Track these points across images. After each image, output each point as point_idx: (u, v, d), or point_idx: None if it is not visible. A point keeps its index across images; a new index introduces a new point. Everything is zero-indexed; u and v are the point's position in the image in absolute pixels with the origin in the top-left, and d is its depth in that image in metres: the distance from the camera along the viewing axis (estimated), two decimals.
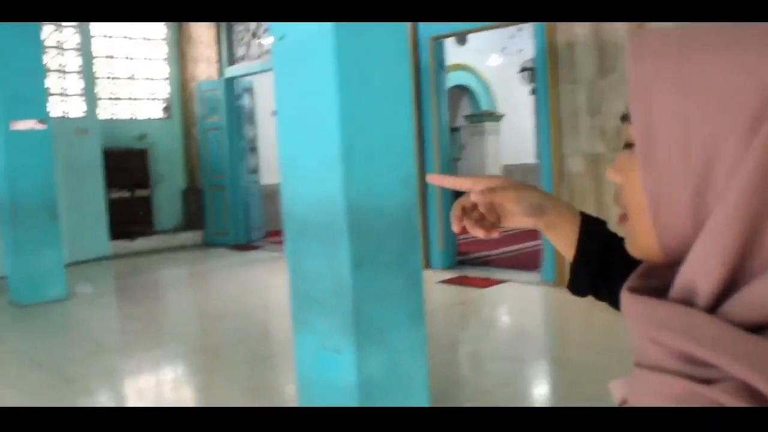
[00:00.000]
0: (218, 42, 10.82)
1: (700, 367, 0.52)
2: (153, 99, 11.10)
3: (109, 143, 10.05)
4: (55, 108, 9.55)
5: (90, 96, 9.89)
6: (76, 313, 6.73)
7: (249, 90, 10.87)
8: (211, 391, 4.42)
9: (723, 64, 0.52)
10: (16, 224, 6.81)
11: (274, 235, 11.00)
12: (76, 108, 9.87)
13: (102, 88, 10.48)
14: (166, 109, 11.18)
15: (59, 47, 9.79)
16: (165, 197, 10.82)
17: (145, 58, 10.91)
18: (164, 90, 11.15)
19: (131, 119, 10.82)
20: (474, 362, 4.99)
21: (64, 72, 9.82)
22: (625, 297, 0.60)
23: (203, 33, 10.75)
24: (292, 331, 3.62)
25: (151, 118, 11.02)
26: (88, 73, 9.91)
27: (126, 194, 10.27)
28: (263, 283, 8.10)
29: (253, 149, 10.95)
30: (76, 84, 9.87)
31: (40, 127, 6.93)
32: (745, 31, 0.53)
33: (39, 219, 6.90)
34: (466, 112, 14.57)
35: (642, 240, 0.61)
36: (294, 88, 3.36)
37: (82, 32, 9.95)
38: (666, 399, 0.54)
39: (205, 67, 10.90)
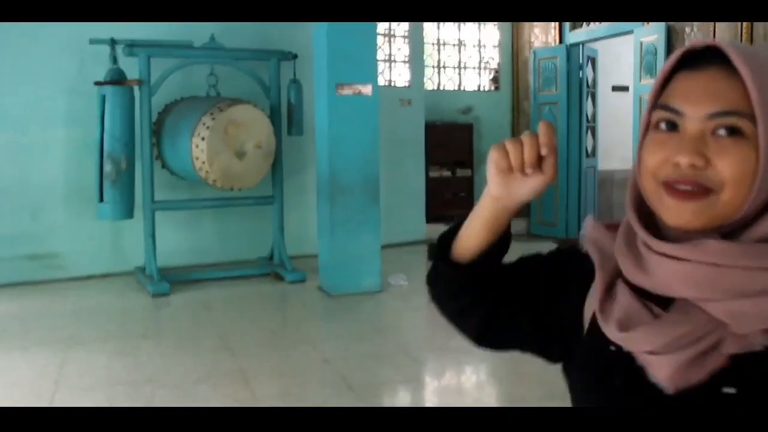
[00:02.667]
0: None
1: None
2: (481, 68, 9.96)
3: (431, 116, 9.10)
4: (380, 75, 8.76)
5: (417, 63, 8.96)
6: (390, 313, 5.74)
7: (592, 59, 9.27)
8: None
9: None
10: (334, 202, 5.98)
11: None
12: (400, 76, 9.02)
13: (428, 56, 9.55)
14: (495, 80, 9.98)
15: None
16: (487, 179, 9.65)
17: (476, 24, 9.79)
18: (494, 58, 9.96)
19: (457, 90, 9.78)
20: None
21: (392, 36, 9.00)
22: (722, 245, 0.82)
23: None
24: None
25: (479, 89, 9.89)
26: (416, 39, 8.97)
27: (446, 173, 9.27)
28: None
29: (592, 129, 9.35)
30: (402, 50, 9.01)
31: (366, 93, 6.01)
32: None
33: (359, 198, 6.00)
34: None
35: (722, 210, 0.83)
36: None
37: None
38: None
39: (539, 32, 9.50)
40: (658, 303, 0.87)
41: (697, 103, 0.84)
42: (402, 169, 8.34)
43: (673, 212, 0.84)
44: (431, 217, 8.89)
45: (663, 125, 0.87)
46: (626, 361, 0.87)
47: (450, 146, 9.27)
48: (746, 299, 0.81)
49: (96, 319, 5.48)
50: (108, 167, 6.11)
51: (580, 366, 0.97)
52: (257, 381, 4.02)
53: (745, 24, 6.34)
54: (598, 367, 0.92)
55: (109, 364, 4.38)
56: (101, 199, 6.19)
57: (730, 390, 0.82)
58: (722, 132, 0.82)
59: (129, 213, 6.29)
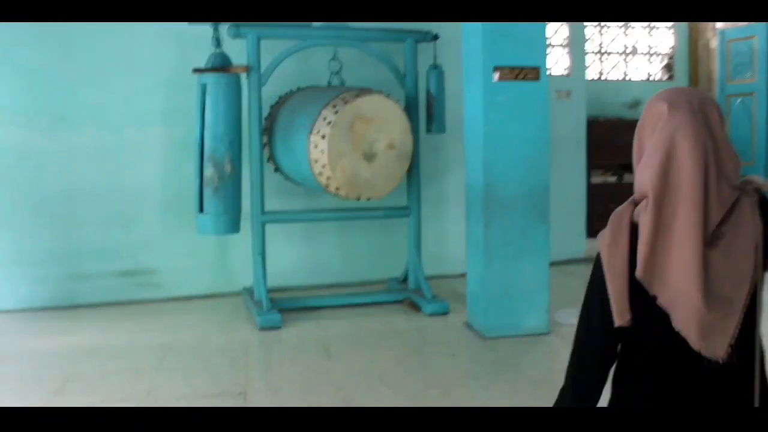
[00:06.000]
0: None
1: None
2: (651, 54, 8.39)
3: (592, 110, 7.64)
4: None
5: (577, 49, 7.47)
6: (560, 364, 4.34)
7: None
8: None
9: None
10: (489, 219, 4.64)
11: None
12: (557, 64, 7.59)
13: (590, 39, 8.07)
14: (668, 68, 8.41)
15: None
16: None
17: None
18: (667, 42, 8.37)
19: (622, 80, 8.26)
20: None
21: None
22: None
23: None
24: None
25: (648, 78, 8.33)
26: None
27: (611, 179, 7.80)
28: None
29: None
30: (559, 32, 7.57)
31: (533, 78, 4.64)
32: None
33: (522, 215, 4.67)
34: None
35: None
36: None
37: None
38: None
39: None
40: None
41: None
42: (559, 174, 6.82)
43: None
44: (593, 231, 7.42)
45: None
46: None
47: (615, 147, 7.74)
48: None
49: (185, 362, 4.38)
50: (209, 171, 5.04)
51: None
52: None
53: None
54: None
55: None
56: (201, 210, 5.12)
57: None
58: None
59: (234, 227, 5.20)
